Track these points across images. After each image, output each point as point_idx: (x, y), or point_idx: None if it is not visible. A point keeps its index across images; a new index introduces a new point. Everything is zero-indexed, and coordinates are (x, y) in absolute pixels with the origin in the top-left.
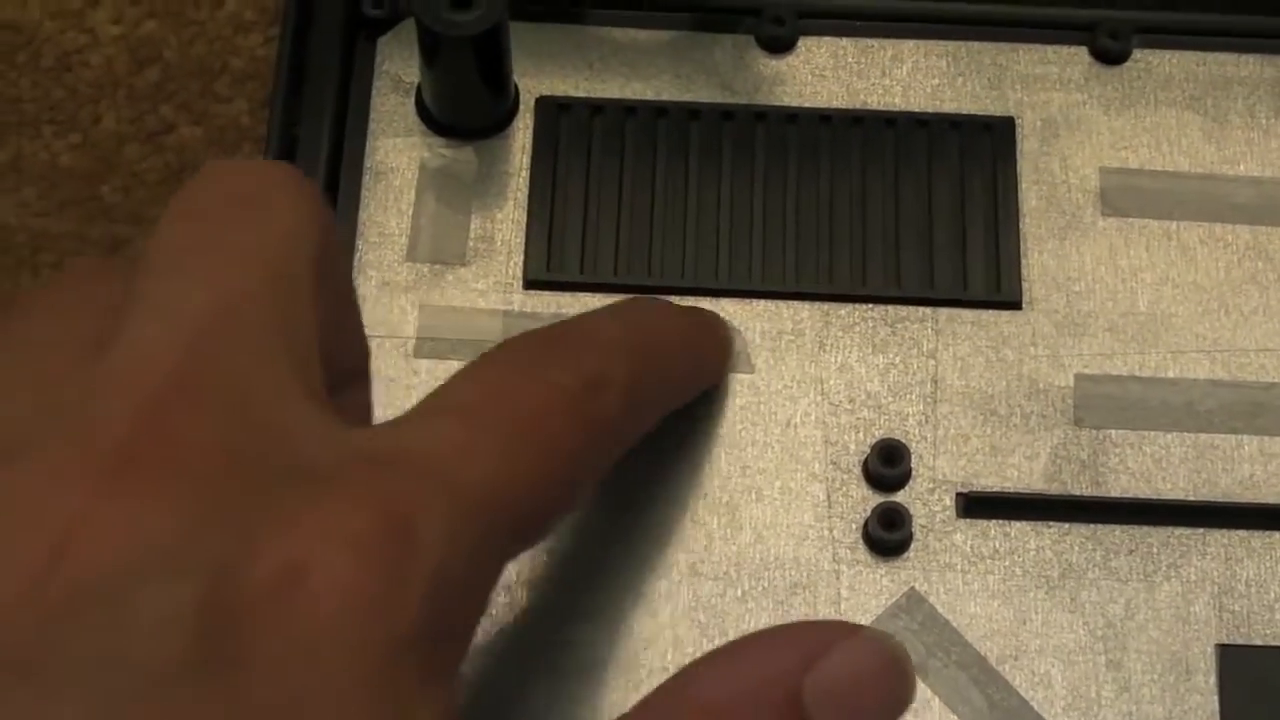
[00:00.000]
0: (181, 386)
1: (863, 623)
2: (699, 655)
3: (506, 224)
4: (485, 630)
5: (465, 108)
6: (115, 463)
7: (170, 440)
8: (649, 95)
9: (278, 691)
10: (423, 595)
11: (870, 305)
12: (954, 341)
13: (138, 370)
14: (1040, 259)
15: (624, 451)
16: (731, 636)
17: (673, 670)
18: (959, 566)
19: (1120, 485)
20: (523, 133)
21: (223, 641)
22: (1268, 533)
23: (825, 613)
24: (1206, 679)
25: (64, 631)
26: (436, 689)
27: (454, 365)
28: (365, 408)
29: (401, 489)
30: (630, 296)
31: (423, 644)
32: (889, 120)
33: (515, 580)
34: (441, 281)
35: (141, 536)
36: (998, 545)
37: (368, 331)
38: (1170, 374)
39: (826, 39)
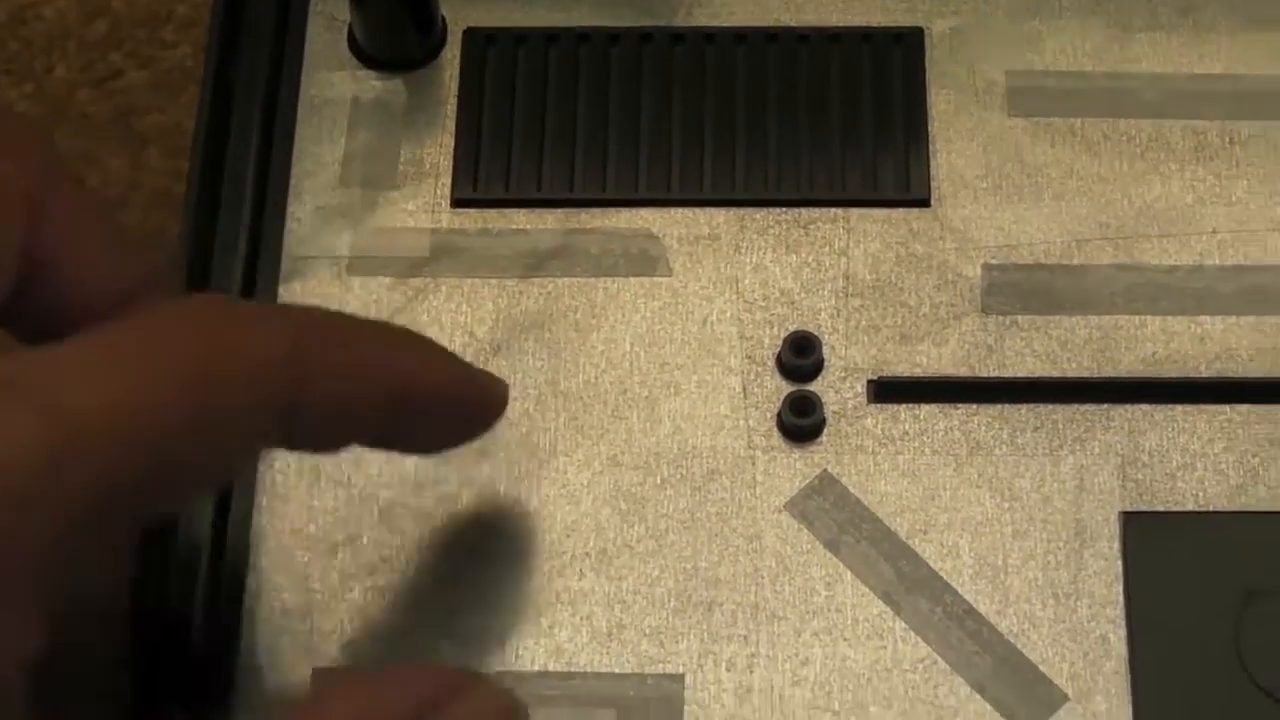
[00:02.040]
0: None
1: (777, 504)
2: (619, 540)
3: (435, 149)
4: (415, 514)
5: (393, 41)
6: None
7: None
8: (572, 22)
9: None
10: None
11: (784, 209)
12: (865, 239)
13: None
14: (948, 159)
15: (302, 429)
16: (650, 521)
17: (595, 555)
18: (870, 449)
19: (1026, 367)
20: (451, 63)
21: None
22: (1169, 405)
23: (741, 497)
24: (1110, 545)
25: None
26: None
27: (385, 281)
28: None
29: (66, 404)
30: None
31: None
32: (802, 36)
33: (445, 467)
34: (373, 204)
35: None
36: (908, 428)
37: (305, 253)
38: (1074, 261)
39: None
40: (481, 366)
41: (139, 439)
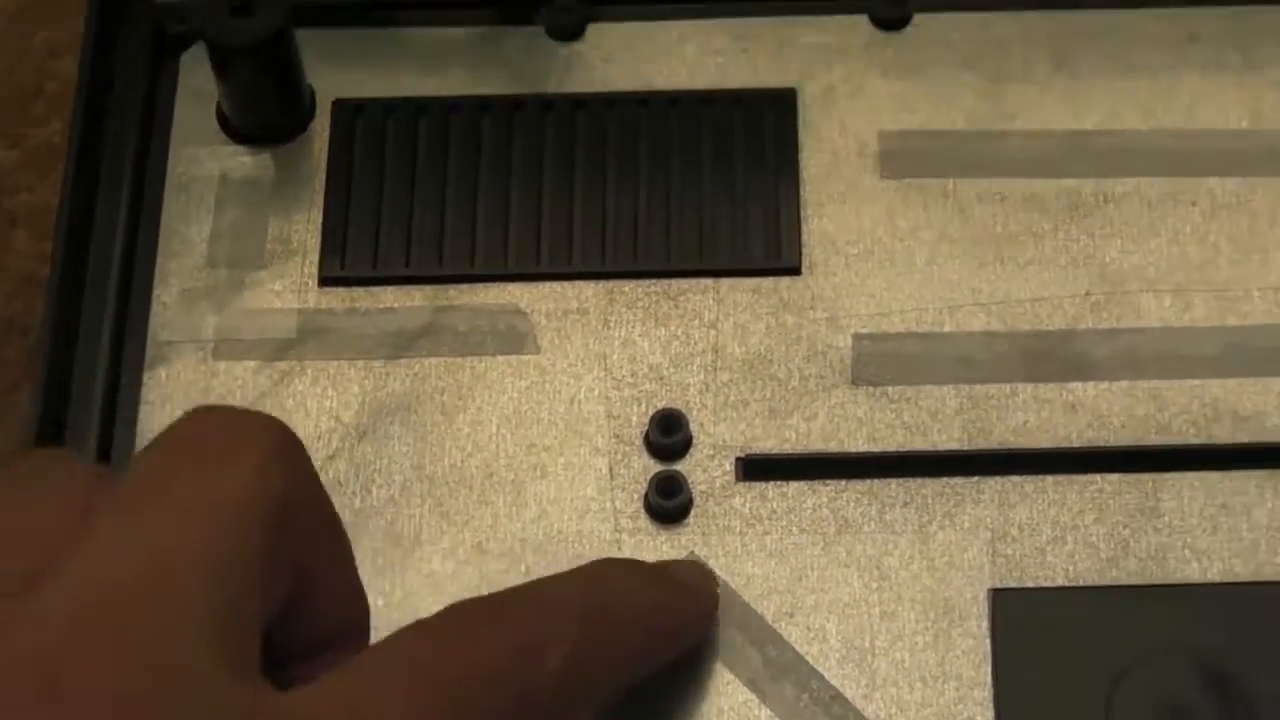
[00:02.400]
0: (88, 645)
1: None
2: None
3: (302, 225)
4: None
5: (260, 115)
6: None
7: (64, 693)
8: (442, 92)
9: None
10: None
11: (654, 280)
12: (735, 310)
13: (52, 623)
14: (820, 224)
15: (583, 717)
16: None
17: None
18: (738, 529)
19: (896, 440)
20: (320, 135)
21: None
22: (1039, 477)
23: None
24: (979, 623)
25: None
26: None
27: (250, 365)
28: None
29: None
30: (600, 559)
31: None
32: (673, 100)
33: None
34: (240, 285)
35: None
36: (775, 506)
37: (171, 338)
38: (946, 328)
39: (613, 24)
40: (347, 453)
41: None
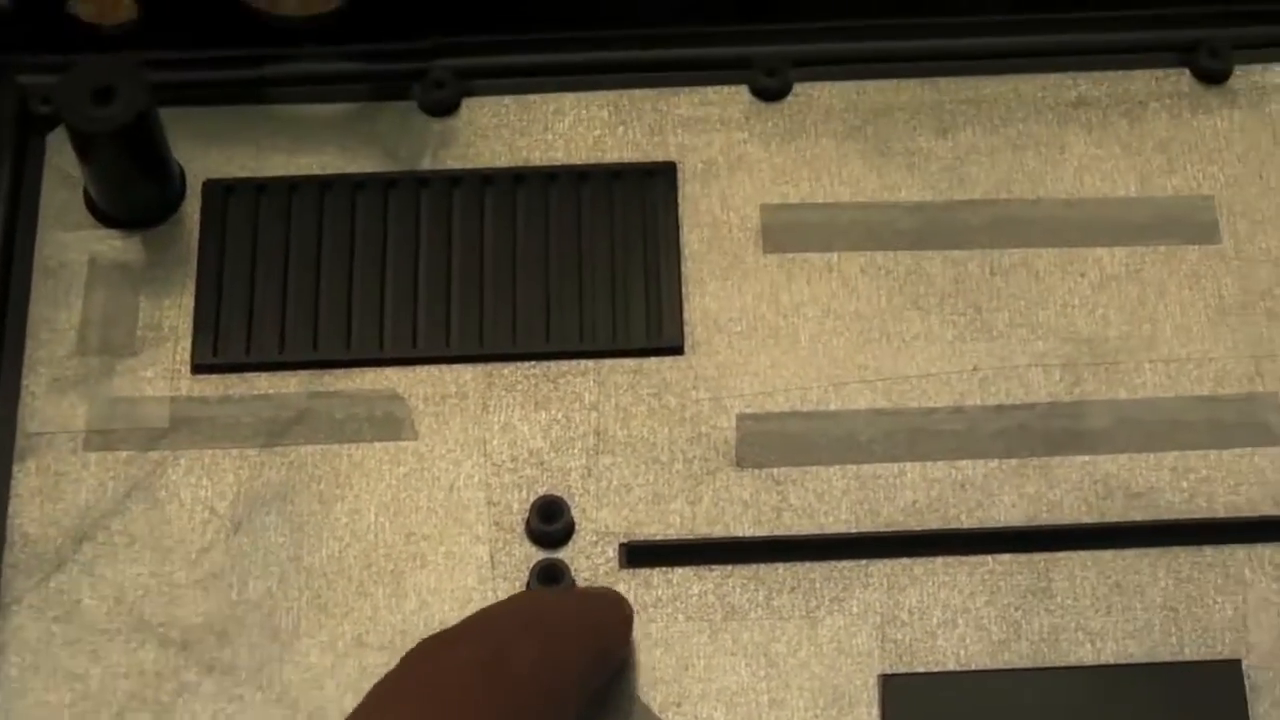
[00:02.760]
0: None
1: None
2: None
3: (174, 310)
4: (153, 709)
5: (128, 198)
6: None
7: None
8: (315, 170)
9: None
10: None
11: (533, 363)
12: (616, 392)
13: None
14: (702, 301)
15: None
16: None
17: None
18: None
19: (783, 523)
20: (191, 217)
21: None
22: (929, 558)
23: None
24: (869, 710)
25: None
26: None
27: (123, 455)
28: None
29: None
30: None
31: None
32: (550, 176)
33: (184, 654)
34: (111, 373)
35: None
36: (660, 593)
37: (40, 429)
38: (832, 407)
39: (489, 99)
40: (223, 544)
41: None
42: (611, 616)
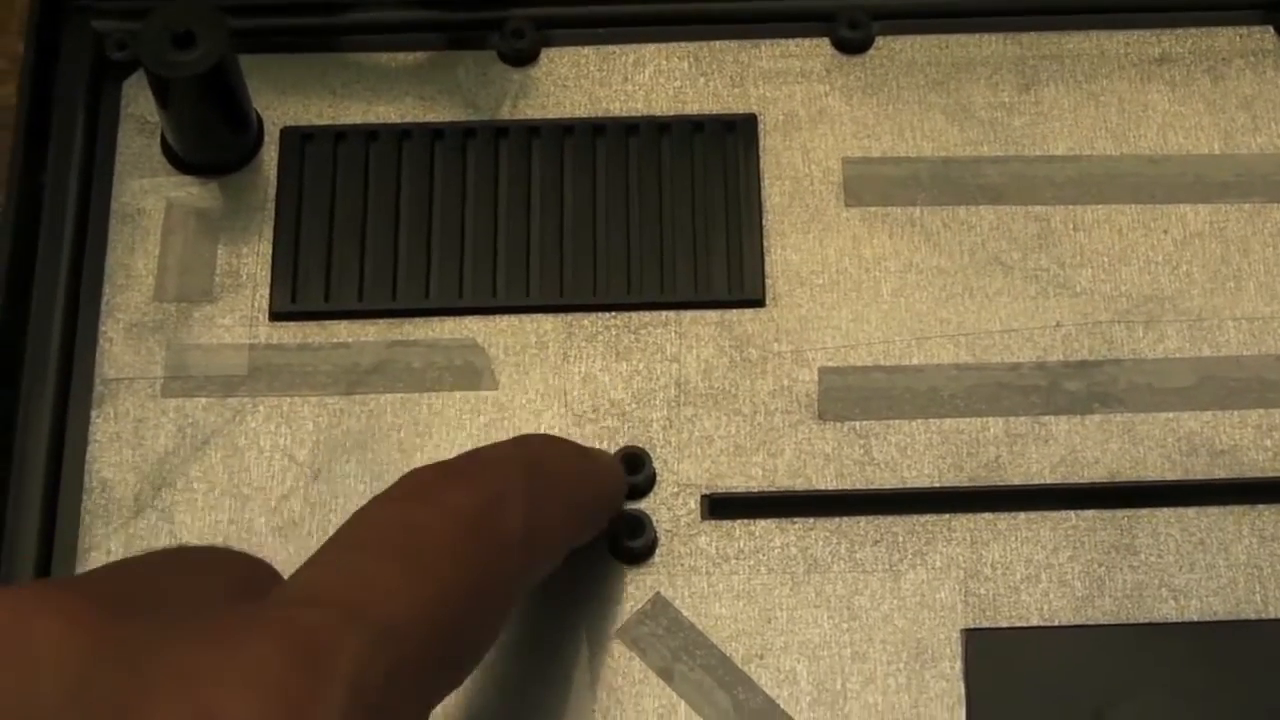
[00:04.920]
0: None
1: (609, 631)
2: None
3: (252, 257)
4: None
5: (206, 145)
6: (15, 602)
7: (88, 581)
8: (393, 118)
9: None
10: None
11: (614, 313)
12: (697, 344)
13: None
14: (783, 254)
15: (536, 578)
16: None
17: None
18: (704, 569)
19: (865, 477)
20: (268, 164)
21: None
22: (1012, 514)
23: (572, 623)
24: (952, 665)
25: None
26: None
27: (202, 402)
28: None
29: (309, 624)
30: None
31: None
32: (631, 127)
33: None
34: (189, 319)
35: (44, 673)
36: (743, 545)
37: (118, 375)
38: (914, 361)
39: (568, 49)
40: (302, 491)
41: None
42: (611, 483)
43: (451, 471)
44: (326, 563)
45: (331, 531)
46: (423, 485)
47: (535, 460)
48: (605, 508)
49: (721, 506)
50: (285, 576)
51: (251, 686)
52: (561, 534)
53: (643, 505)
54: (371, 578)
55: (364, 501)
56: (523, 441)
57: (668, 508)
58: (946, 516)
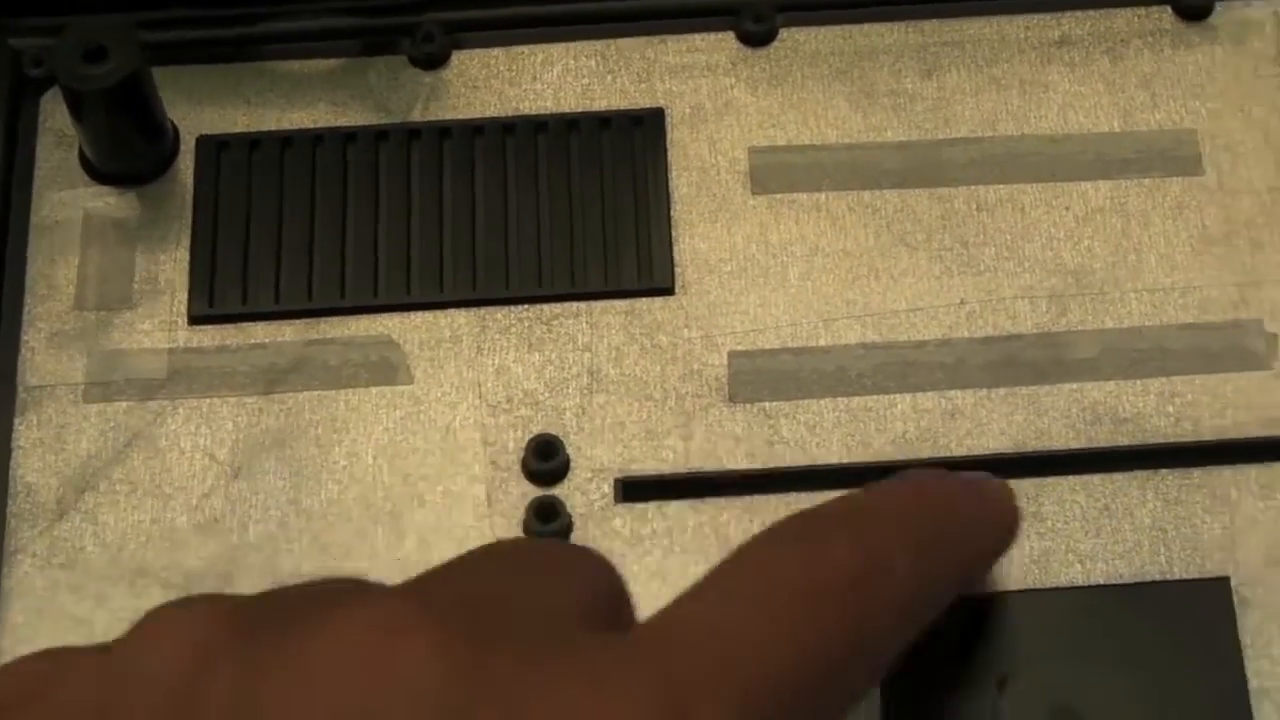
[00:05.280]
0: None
1: None
2: None
3: (170, 264)
4: None
5: (121, 156)
6: (389, 616)
7: (454, 599)
8: (306, 125)
9: None
10: None
11: (526, 306)
12: (609, 333)
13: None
14: (691, 243)
15: (912, 635)
16: None
17: None
18: (619, 550)
19: (775, 456)
20: (185, 173)
21: None
22: None
23: None
24: None
25: None
26: None
27: (123, 405)
28: None
29: (679, 674)
30: (912, 470)
31: None
32: (540, 125)
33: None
34: (109, 327)
35: (414, 698)
36: (656, 527)
37: (40, 382)
38: (821, 342)
39: (478, 51)
40: (223, 490)
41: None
42: (1006, 538)
43: (834, 520)
44: (701, 603)
45: (252, 528)
46: (810, 533)
47: (931, 518)
48: (994, 561)
49: (634, 489)
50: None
51: None
52: (945, 596)
53: (556, 491)
54: (745, 629)
55: (284, 497)
56: (919, 489)
57: (582, 493)
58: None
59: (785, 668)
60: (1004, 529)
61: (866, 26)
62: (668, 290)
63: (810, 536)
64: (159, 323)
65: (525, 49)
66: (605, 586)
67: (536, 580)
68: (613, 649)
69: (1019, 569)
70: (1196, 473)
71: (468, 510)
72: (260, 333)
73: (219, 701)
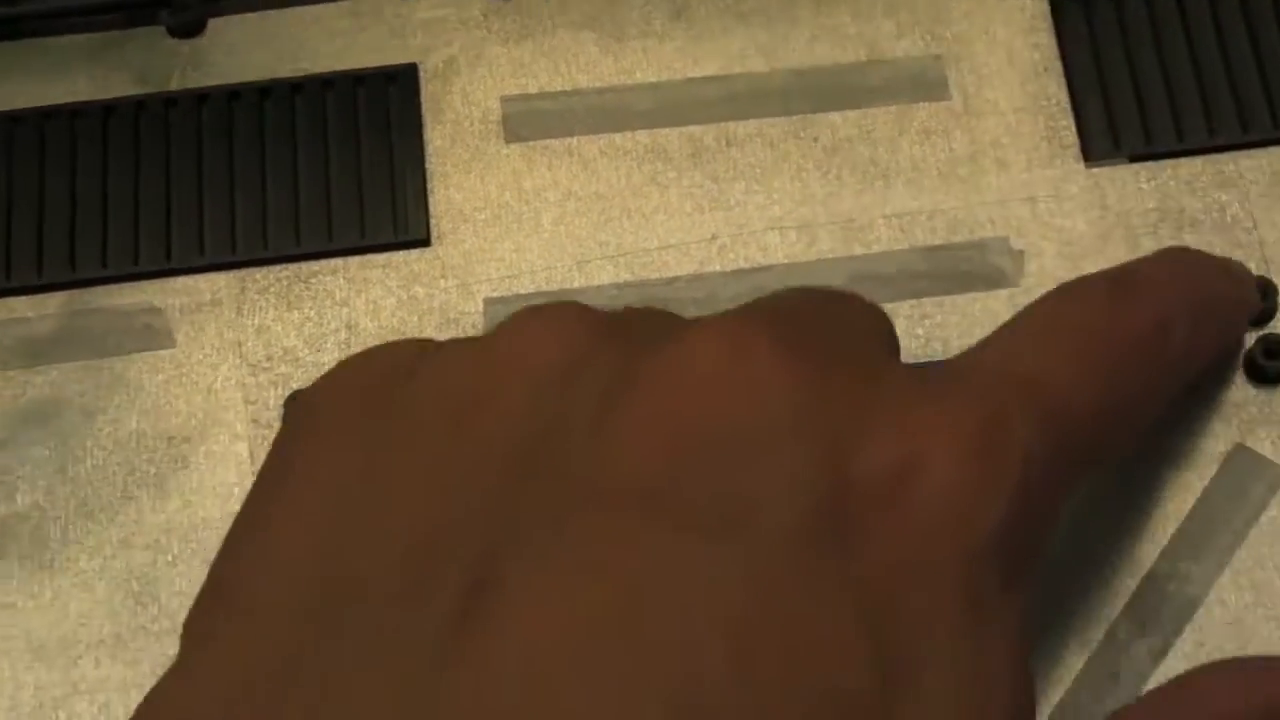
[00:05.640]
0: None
1: None
2: (133, 623)
3: None
4: None
5: None
6: (737, 329)
7: (785, 318)
8: (69, 100)
9: (879, 571)
10: (1010, 494)
11: (284, 265)
12: (366, 287)
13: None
14: (447, 194)
15: (1172, 398)
16: (164, 601)
17: (110, 641)
18: None
19: None
20: None
21: (836, 516)
22: None
23: None
24: None
25: (694, 472)
26: (1014, 595)
27: None
28: None
29: (997, 393)
30: (1171, 246)
31: (1005, 547)
32: (296, 86)
33: None
34: None
35: (768, 399)
36: None
37: None
38: (576, 284)
39: (234, 17)
40: None
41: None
42: (1251, 299)
43: (1122, 287)
44: (1003, 345)
45: (19, 498)
46: (1096, 294)
47: (1196, 286)
48: (1243, 328)
49: None
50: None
51: (956, 440)
52: (1210, 357)
53: None
54: (1045, 365)
55: (50, 466)
56: (1180, 259)
57: None
58: None
59: (1083, 404)
60: (1247, 305)
61: None
62: (424, 242)
63: (1095, 297)
64: None
65: (279, 12)
66: (890, 326)
67: (848, 313)
68: (939, 373)
69: None
70: None
71: (230, 469)
72: (23, 307)
73: (594, 384)
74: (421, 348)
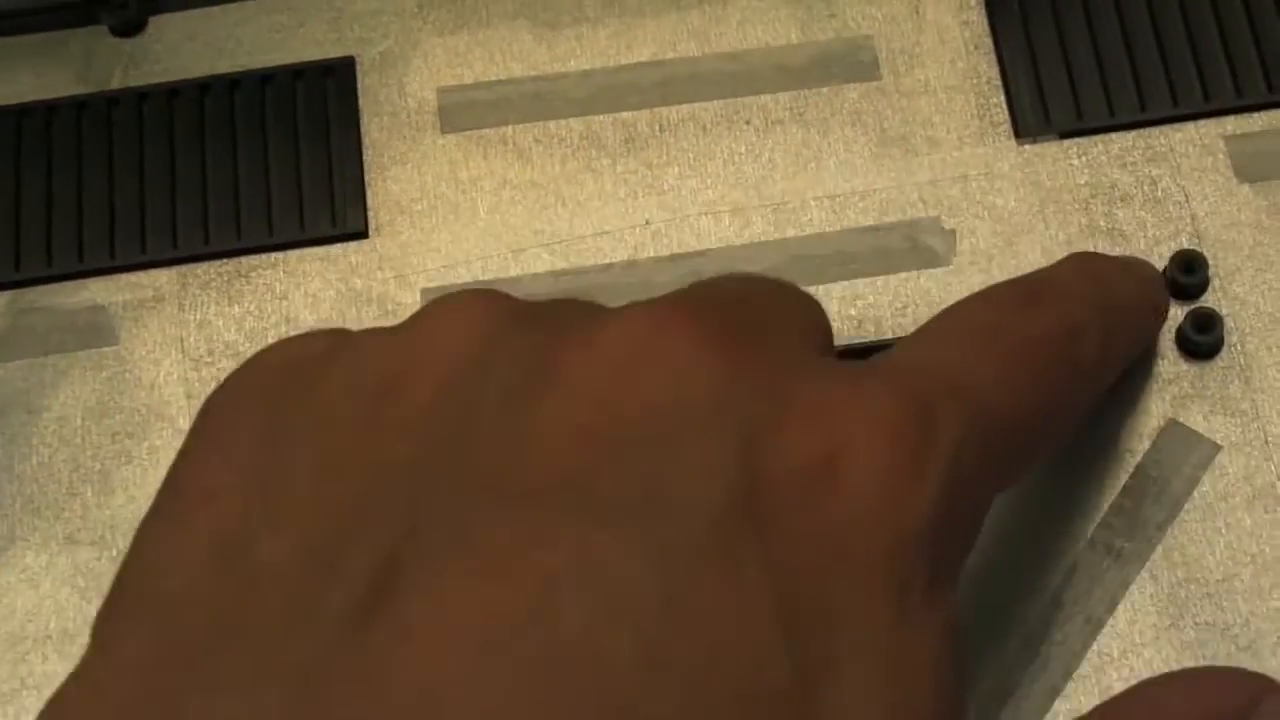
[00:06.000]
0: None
1: None
2: (80, 619)
3: None
4: None
5: None
6: (655, 320)
7: (707, 308)
8: (11, 100)
9: (798, 564)
10: (938, 486)
11: (225, 260)
12: (305, 280)
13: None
14: (384, 186)
15: (1089, 406)
16: None
17: (57, 637)
18: None
19: None
20: None
21: (754, 508)
22: None
23: None
24: None
25: (608, 466)
26: (942, 590)
27: None
28: None
29: (921, 387)
30: (1078, 251)
31: (932, 539)
32: (235, 82)
33: None
34: None
35: (685, 391)
36: None
37: None
38: (512, 273)
39: (175, 15)
40: None
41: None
42: (1161, 304)
43: (1031, 295)
44: (922, 348)
45: None
46: (1007, 302)
47: (1103, 293)
48: (1150, 339)
49: None
50: None
51: (879, 430)
52: (1122, 363)
53: None
54: (964, 365)
55: None
56: (1088, 265)
57: None
58: None
59: (1004, 404)
60: (1156, 309)
61: None
62: (362, 234)
63: (1007, 304)
64: None
65: (219, 9)
66: (824, 320)
67: (777, 304)
68: (856, 366)
69: None
70: None
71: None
72: None
73: (508, 373)
74: (335, 338)
